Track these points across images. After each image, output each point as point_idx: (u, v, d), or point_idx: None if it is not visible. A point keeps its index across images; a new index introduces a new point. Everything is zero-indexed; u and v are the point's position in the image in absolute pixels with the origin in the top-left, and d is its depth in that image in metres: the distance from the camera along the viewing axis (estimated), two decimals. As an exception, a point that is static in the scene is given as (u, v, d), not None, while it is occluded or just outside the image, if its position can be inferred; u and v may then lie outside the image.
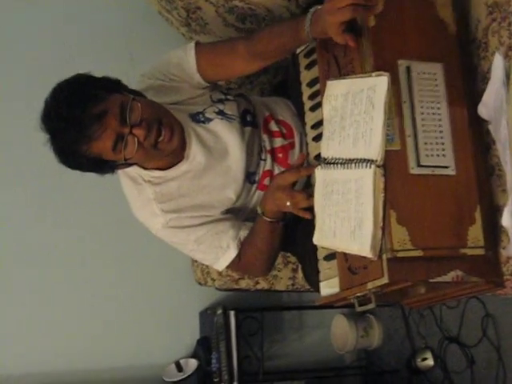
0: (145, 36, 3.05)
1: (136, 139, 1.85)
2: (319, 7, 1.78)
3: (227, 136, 2.06)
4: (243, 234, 2.08)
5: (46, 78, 2.78)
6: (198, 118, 2.06)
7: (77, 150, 1.84)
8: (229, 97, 2.13)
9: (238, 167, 2.07)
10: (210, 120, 2.06)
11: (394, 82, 1.66)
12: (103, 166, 1.93)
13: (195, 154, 2.03)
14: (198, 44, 2.08)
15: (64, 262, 3.01)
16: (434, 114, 1.69)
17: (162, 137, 1.89)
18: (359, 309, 1.76)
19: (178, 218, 2.05)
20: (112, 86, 1.92)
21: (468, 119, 1.72)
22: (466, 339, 2.86)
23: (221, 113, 2.08)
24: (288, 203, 1.89)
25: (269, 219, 1.99)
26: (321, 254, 1.89)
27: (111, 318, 3.09)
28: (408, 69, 1.69)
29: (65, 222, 3.01)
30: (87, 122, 1.80)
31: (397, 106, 1.66)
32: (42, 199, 2.98)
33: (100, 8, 3.04)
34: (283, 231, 2.06)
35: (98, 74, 1.94)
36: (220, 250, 2.08)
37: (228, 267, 2.12)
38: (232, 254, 2.08)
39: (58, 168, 1.93)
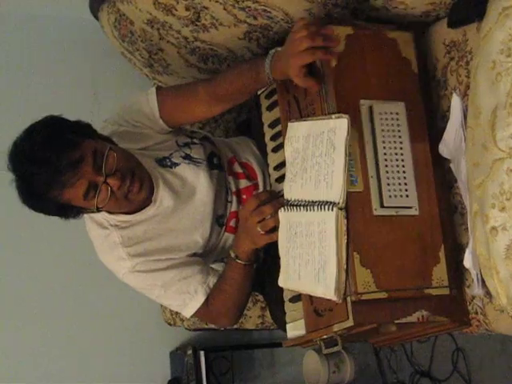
0: (109, 75, 3.06)
1: (109, 188, 1.83)
2: (279, 49, 1.78)
3: (195, 180, 2.04)
4: (212, 280, 2.04)
5: (9, 116, 2.81)
6: (165, 162, 2.04)
7: (46, 195, 1.81)
8: (195, 140, 2.11)
9: (205, 211, 2.04)
10: (176, 165, 2.04)
11: (357, 123, 1.66)
12: (70, 210, 1.90)
13: (162, 198, 2.01)
14: (159, 89, 2.07)
15: (28, 306, 2.96)
16: (396, 154, 1.68)
17: (131, 187, 1.87)
18: (325, 351, 1.74)
19: (144, 262, 2.01)
20: (85, 130, 1.90)
21: (431, 158, 1.72)
22: (437, 373, 2.85)
23: (187, 157, 2.06)
24: (258, 228, 1.85)
25: (243, 262, 1.96)
26: (286, 296, 1.88)
27: (80, 359, 3.04)
28: (370, 109, 1.68)
29: (31, 263, 2.97)
30: (62, 168, 1.77)
31: (359, 146, 1.66)
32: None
33: (65, 47, 3.05)
34: (254, 275, 2.03)
35: (63, 111, 1.91)
36: (187, 296, 2.02)
37: (195, 314, 2.06)
38: (200, 299, 2.02)
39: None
